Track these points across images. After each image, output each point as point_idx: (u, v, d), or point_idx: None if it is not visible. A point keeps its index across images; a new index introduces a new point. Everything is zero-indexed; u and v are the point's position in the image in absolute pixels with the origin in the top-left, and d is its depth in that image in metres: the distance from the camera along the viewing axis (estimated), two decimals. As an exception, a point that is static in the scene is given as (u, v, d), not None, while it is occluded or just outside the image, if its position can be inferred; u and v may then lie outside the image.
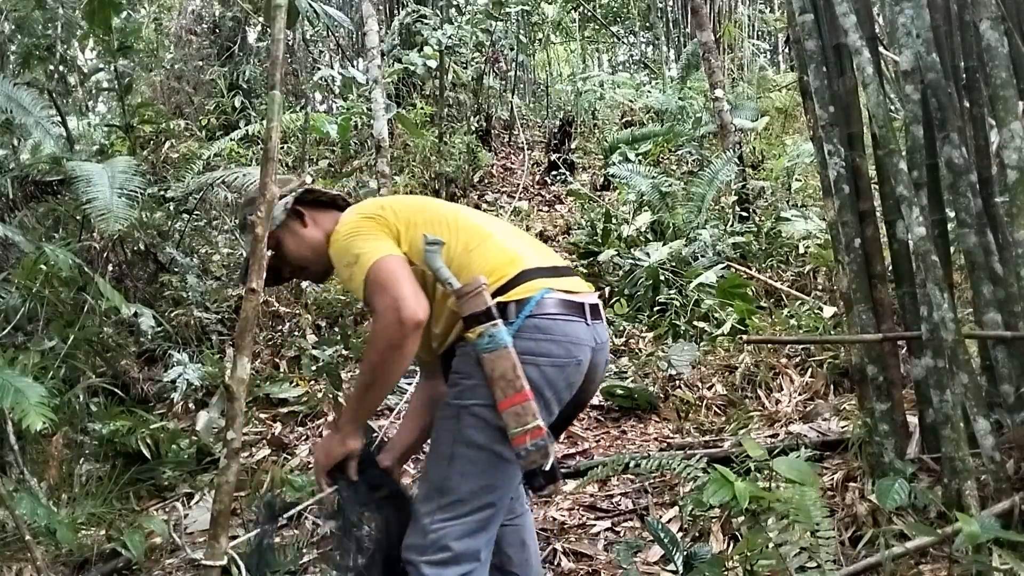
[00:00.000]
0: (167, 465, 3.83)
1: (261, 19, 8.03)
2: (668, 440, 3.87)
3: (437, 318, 1.81)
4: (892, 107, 3.48)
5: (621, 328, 5.12)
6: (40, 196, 5.23)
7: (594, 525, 3.11)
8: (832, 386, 3.96)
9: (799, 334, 4.39)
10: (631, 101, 10.45)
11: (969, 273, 2.49)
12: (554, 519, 3.17)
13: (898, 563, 2.18)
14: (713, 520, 2.77)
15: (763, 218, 6.16)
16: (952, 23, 2.59)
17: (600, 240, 6.37)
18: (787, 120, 8.56)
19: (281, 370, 4.92)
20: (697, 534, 2.81)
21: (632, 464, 2.62)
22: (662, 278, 5.38)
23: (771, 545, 2.05)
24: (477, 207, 7.40)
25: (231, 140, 6.94)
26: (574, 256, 6.29)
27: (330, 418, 4.39)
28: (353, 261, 1.78)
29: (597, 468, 2.82)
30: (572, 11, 12.61)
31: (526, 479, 1.71)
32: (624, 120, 10.28)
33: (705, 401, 4.18)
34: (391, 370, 1.72)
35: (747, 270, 5.43)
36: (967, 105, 2.59)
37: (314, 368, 4.77)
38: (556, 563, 2.82)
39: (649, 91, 10.58)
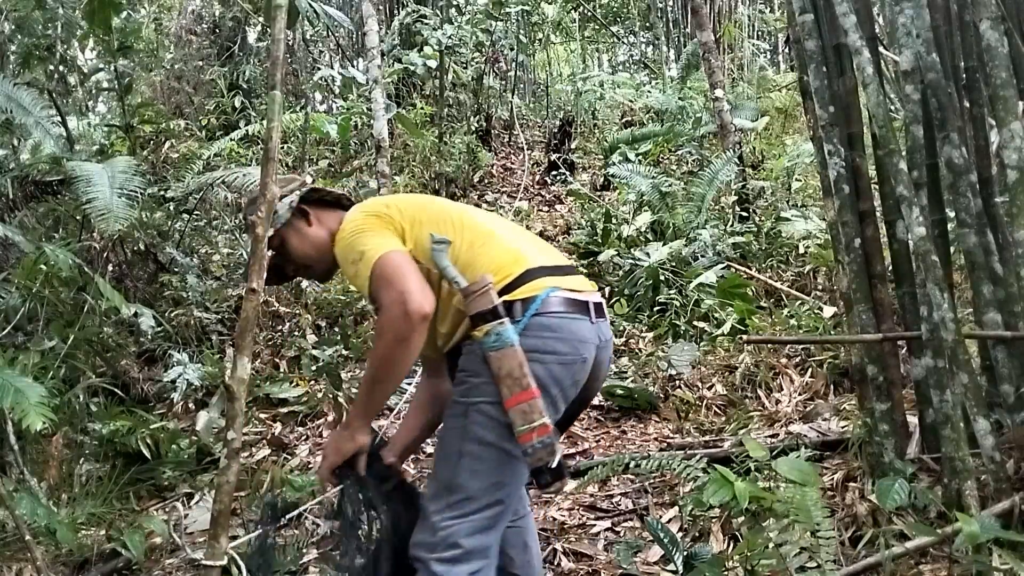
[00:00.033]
0: (167, 465, 3.83)
1: (261, 19, 8.04)
2: (668, 440, 3.87)
3: (443, 317, 1.82)
4: (892, 107, 3.48)
5: (621, 328, 5.12)
6: (40, 196, 5.23)
7: (594, 525, 3.11)
8: (832, 386, 3.96)
9: (799, 334, 4.39)
10: (631, 101, 10.45)
11: (969, 273, 2.49)
12: (554, 519, 3.17)
13: (898, 563, 2.18)
14: (713, 520, 2.77)
15: (763, 218, 6.16)
16: (952, 23, 2.59)
17: (600, 240, 6.37)
18: (787, 120, 8.56)
19: (281, 370, 4.92)
20: (697, 534, 2.81)
21: (632, 464, 2.62)
22: (662, 278, 5.38)
23: (771, 545, 2.05)
24: (477, 207, 7.40)
25: (231, 140, 6.94)
26: (574, 256, 6.29)
27: (330, 418, 4.39)
28: (358, 258, 1.79)
29: (597, 468, 2.83)
30: (572, 11, 12.61)
31: (533, 476, 1.72)
32: (624, 120, 10.28)
33: (705, 401, 4.18)
34: (399, 364, 1.73)
35: (747, 270, 5.43)
36: (967, 105, 2.59)
37: (314, 368, 4.77)
38: (556, 563, 2.82)
39: (649, 91, 10.58)
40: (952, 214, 2.52)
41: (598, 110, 10.72)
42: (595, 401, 4.25)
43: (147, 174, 5.40)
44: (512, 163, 9.82)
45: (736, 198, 6.36)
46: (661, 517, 3.00)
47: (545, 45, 12.22)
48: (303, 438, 4.32)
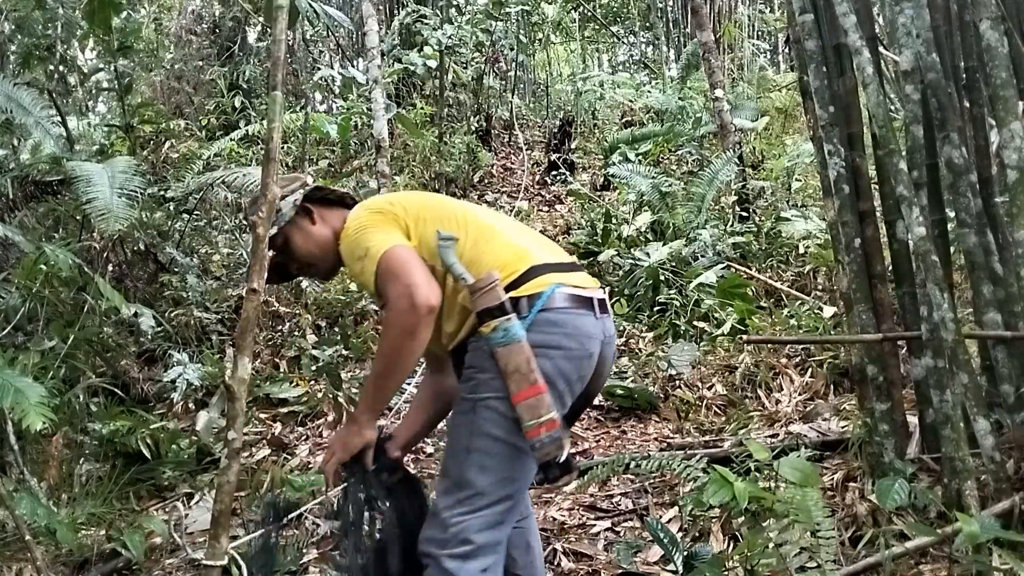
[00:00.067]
0: (167, 465, 3.83)
1: (261, 19, 8.03)
2: (668, 440, 3.87)
3: (449, 313, 1.83)
4: (892, 107, 3.48)
5: (621, 328, 5.12)
6: (40, 196, 5.23)
7: (594, 525, 3.11)
8: (832, 386, 3.96)
9: (799, 334, 4.39)
10: (631, 101, 10.45)
11: (969, 273, 2.49)
12: (554, 519, 3.17)
13: (898, 563, 2.18)
14: (713, 520, 2.77)
15: (763, 218, 6.16)
16: (952, 23, 2.59)
17: (600, 240, 6.37)
18: (787, 120, 8.56)
19: (281, 370, 4.92)
20: (697, 534, 2.81)
21: (632, 464, 2.62)
22: (662, 278, 5.38)
23: (771, 545, 2.05)
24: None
25: (231, 140, 6.95)
26: (574, 256, 6.27)
27: (330, 418, 4.39)
28: (363, 254, 1.80)
29: (597, 468, 2.83)
30: (572, 11, 12.61)
31: (541, 471, 1.73)
32: (624, 120, 10.28)
33: (705, 401, 4.18)
34: (406, 357, 1.74)
35: (747, 270, 5.43)
36: (967, 105, 2.59)
37: (314, 368, 4.77)
38: (556, 563, 2.82)
39: (649, 91, 10.58)
40: (952, 214, 2.52)
41: (598, 110, 10.71)
42: (595, 401, 4.25)
43: (147, 174, 5.40)
44: (512, 163, 9.82)
45: (736, 198, 6.36)
46: (661, 517, 3.00)
47: (545, 45, 12.22)
48: (303, 438, 4.32)
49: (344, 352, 5.01)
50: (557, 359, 1.74)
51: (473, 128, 9.61)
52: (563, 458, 1.69)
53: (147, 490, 3.77)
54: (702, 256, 5.64)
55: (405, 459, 2.20)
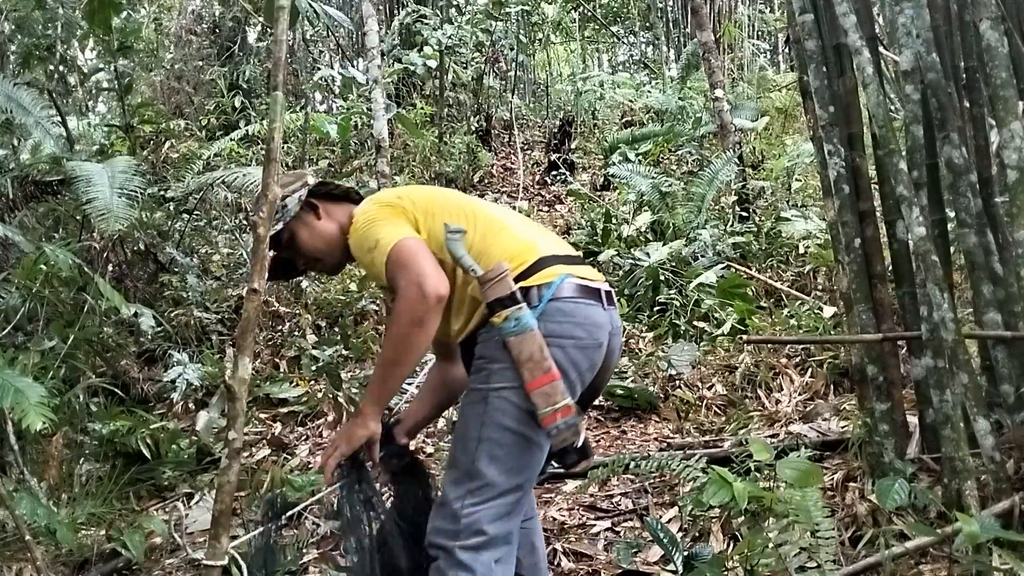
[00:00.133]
0: (167, 465, 3.83)
1: (261, 19, 8.03)
2: (668, 440, 3.87)
3: (458, 306, 1.85)
4: (892, 107, 3.48)
5: (621, 328, 5.11)
6: (40, 196, 5.23)
7: (594, 525, 3.11)
8: (832, 386, 3.96)
9: (799, 334, 4.39)
10: (631, 101, 10.45)
11: (969, 273, 2.49)
12: (554, 519, 3.17)
13: (898, 563, 2.18)
14: (713, 520, 2.77)
15: (763, 218, 6.16)
16: (952, 23, 2.59)
17: (600, 240, 6.37)
18: (787, 120, 8.55)
19: (281, 370, 4.92)
20: (697, 534, 2.80)
21: (632, 464, 2.62)
22: (662, 278, 5.37)
23: (771, 545, 2.05)
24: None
25: (231, 140, 6.94)
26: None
27: (330, 418, 4.39)
28: (373, 246, 1.81)
29: (597, 468, 2.82)
30: (572, 11, 12.61)
31: (558, 457, 1.74)
32: (624, 120, 10.27)
33: (705, 401, 4.18)
34: (414, 347, 1.74)
35: (747, 270, 5.43)
36: (967, 105, 2.59)
37: (314, 368, 4.77)
38: (556, 563, 2.82)
39: (649, 91, 10.57)
40: (952, 214, 2.52)
41: (598, 110, 10.71)
42: (595, 401, 4.25)
43: (147, 174, 5.40)
44: (512, 163, 9.82)
45: (736, 198, 6.36)
46: (661, 517, 3.00)
47: (545, 45, 12.21)
48: (303, 438, 4.32)
49: (344, 352, 5.01)
50: (569, 348, 1.76)
51: (473, 128, 9.61)
52: (579, 443, 1.70)
53: (147, 490, 3.77)
54: (702, 256, 5.64)
55: (412, 445, 2.22)
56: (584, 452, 1.72)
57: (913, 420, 2.71)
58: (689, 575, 2.34)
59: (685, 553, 2.44)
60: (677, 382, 4.38)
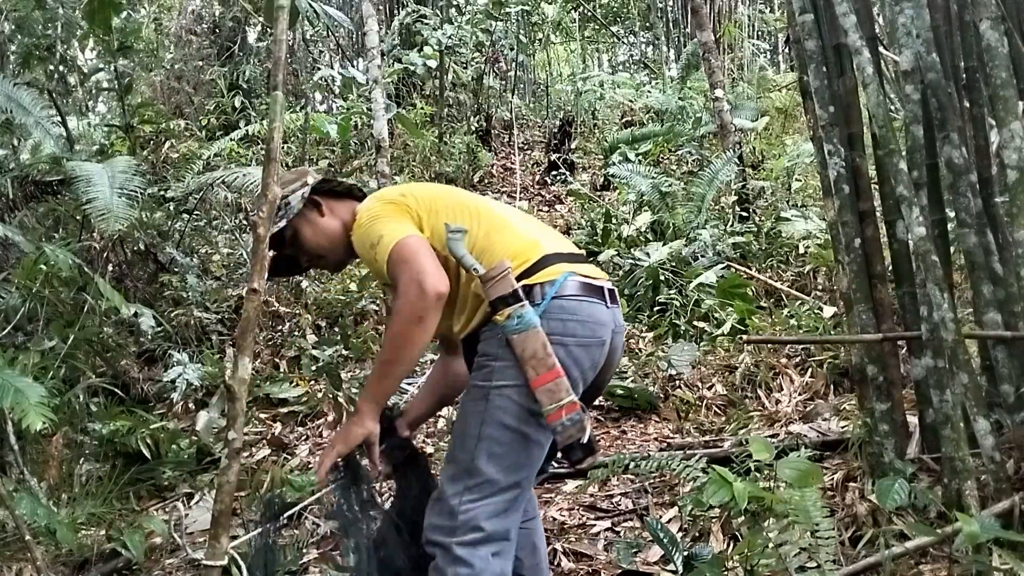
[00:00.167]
0: (167, 465, 3.83)
1: (261, 19, 8.03)
2: (668, 440, 3.87)
3: (462, 303, 1.86)
4: (892, 107, 3.48)
5: (621, 328, 5.11)
6: (40, 196, 5.23)
7: (594, 525, 3.11)
8: (832, 386, 3.96)
9: (799, 334, 4.39)
10: (631, 101, 10.45)
11: (969, 273, 2.49)
12: (554, 519, 3.17)
13: (898, 563, 2.18)
14: (713, 520, 2.77)
15: (763, 218, 6.16)
16: (952, 23, 2.59)
17: (600, 240, 6.37)
18: (787, 120, 8.55)
19: (281, 370, 4.92)
20: (697, 534, 2.80)
21: (632, 464, 2.62)
22: (662, 278, 5.37)
23: (771, 545, 2.05)
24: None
25: (231, 140, 6.95)
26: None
27: (330, 418, 4.39)
28: (376, 242, 1.81)
29: (597, 468, 2.82)
30: (572, 11, 12.61)
31: (564, 453, 1.73)
32: (624, 120, 10.27)
33: (705, 401, 4.18)
34: (413, 344, 1.75)
35: (747, 270, 5.43)
36: (967, 105, 2.59)
37: (314, 368, 4.77)
38: (556, 563, 2.82)
39: (649, 91, 10.57)
40: (952, 214, 2.52)
41: (598, 110, 10.71)
42: (598, 399, 4.25)
43: (147, 174, 5.40)
44: (512, 163, 9.83)
45: (736, 198, 6.36)
46: (661, 517, 3.00)
47: (545, 45, 12.21)
48: (303, 438, 4.32)
49: (344, 352, 5.01)
50: (571, 346, 1.76)
51: (473, 128, 9.61)
52: (585, 439, 1.70)
53: (147, 490, 3.77)
54: (702, 256, 5.64)
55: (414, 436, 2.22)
56: (590, 449, 1.72)
57: (913, 420, 2.70)
58: (689, 575, 2.34)
59: (685, 553, 2.44)
60: (677, 382, 4.38)
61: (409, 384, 4.16)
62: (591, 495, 3.35)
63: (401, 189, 2.00)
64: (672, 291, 5.28)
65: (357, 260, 2.04)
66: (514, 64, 10.85)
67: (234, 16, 9.75)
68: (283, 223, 1.99)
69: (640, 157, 8.02)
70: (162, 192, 5.53)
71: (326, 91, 9.75)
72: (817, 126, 2.77)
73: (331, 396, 4.37)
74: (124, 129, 5.83)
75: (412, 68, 8.70)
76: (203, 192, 5.58)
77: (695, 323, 4.97)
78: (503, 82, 11.08)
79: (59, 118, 5.50)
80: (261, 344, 5.10)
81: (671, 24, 12.68)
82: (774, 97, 9.02)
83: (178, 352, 4.59)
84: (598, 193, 8.15)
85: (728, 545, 2.63)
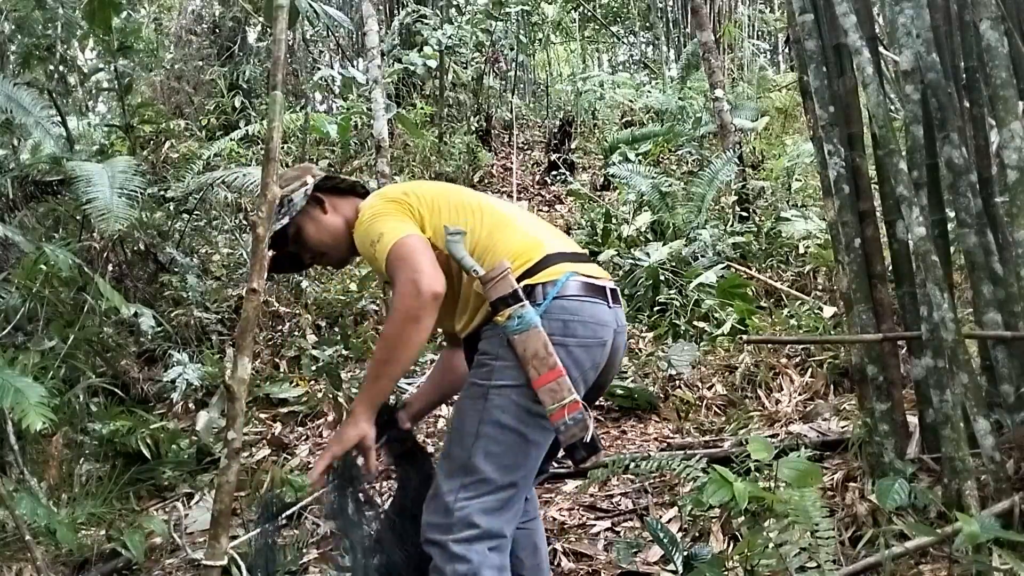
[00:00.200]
0: (167, 465, 3.83)
1: (261, 19, 8.03)
2: (668, 440, 3.87)
3: (464, 303, 1.86)
4: (892, 107, 3.48)
5: (621, 328, 5.11)
6: (40, 196, 5.23)
7: (594, 525, 3.11)
8: (832, 386, 3.96)
9: (799, 334, 4.39)
10: (631, 101, 10.45)
11: (969, 273, 2.49)
12: (554, 519, 3.17)
13: (898, 563, 2.18)
14: (713, 520, 2.77)
15: (763, 218, 6.16)
16: (952, 23, 2.59)
17: (600, 240, 6.37)
18: (787, 120, 8.55)
19: (281, 370, 4.92)
20: (697, 534, 2.80)
21: (632, 464, 2.62)
22: (662, 278, 5.37)
23: (771, 545, 2.05)
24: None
25: (231, 140, 6.95)
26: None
27: (330, 418, 4.39)
28: (376, 240, 1.82)
29: (597, 468, 2.82)
30: (572, 11, 12.61)
31: (568, 453, 1.73)
32: (624, 120, 10.27)
33: (705, 401, 4.18)
34: (409, 344, 1.74)
35: (747, 270, 5.43)
36: (967, 105, 2.59)
37: (314, 368, 4.77)
38: (556, 563, 2.82)
39: (649, 91, 10.57)
40: (952, 214, 2.52)
41: (598, 110, 10.71)
42: (597, 401, 4.25)
43: (147, 174, 5.40)
44: (512, 163, 9.83)
45: (736, 198, 6.36)
46: (661, 517, 3.00)
47: (545, 45, 12.21)
48: (303, 438, 4.32)
49: (344, 352, 5.01)
50: (572, 347, 1.76)
51: (473, 128, 9.61)
52: (588, 438, 1.70)
53: (147, 490, 3.77)
54: (702, 256, 5.64)
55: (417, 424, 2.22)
56: (593, 448, 1.71)
57: (913, 420, 2.70)
58: (689, 575, 2.34)
59: (685, 553, 2.44)
60: (677, 382, 4.38)
61: (408, 384, 4.16)
62: (591, 495, 3.35)
63: (404, 187, 2.00)
64: (672, 291, 5.28)
65: (359, 258, 2.04)
66: (514, 64, 10.85)
67: (234, 16, 9.75)
68: (286, 220, 2.00)
69: (640, 157, 8.02)
70: (162, 192, 5.53)
71: (326, 91, 9.75)
72: (817, 126, 2.77)
73: (331, 396, 4.37)
74: (124, 129, 5.83)
75: (412, 68, 8.70)
76: (203, 192, 5.58)
77: (695, 323, 4.97)
78: (503, 82, 11.08)
79: (59, 118, 5.49)
80: (261, 344, 5.10)
81: (671, 24, 12.68)
82: (774, 97, 9.02)
83: (178, 352, 4.59)
84: (598, 193, 8.15)
85: (728, 545, 2.63)
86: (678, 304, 5.13)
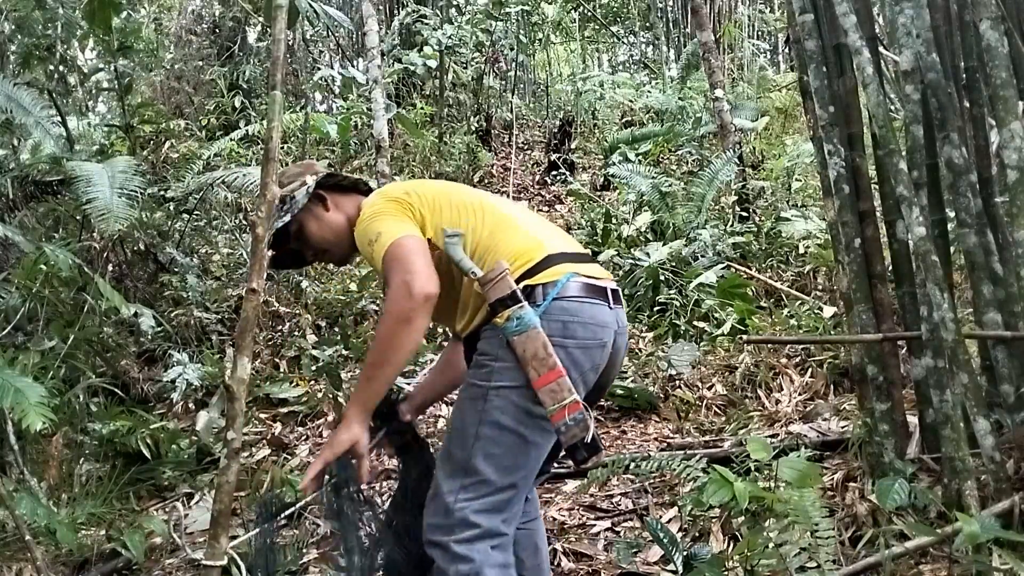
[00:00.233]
0: (167, 465, 3.83)
1: (261, 19, 8.03)
2: (668, 440, 3.87)
3: (464, 304, 1.86)
4: (892, 107, 3.48)
5: (621, 328, 5.11)
6: (40, 196, 5.23)
7: (594, 525, 3.11)
8: (832, 386, 3.96)
9: (799, 334, 4.39)
10: (631, 101, 10.45)
11: (969, 273, 2.49)
12: (554, 519, 3.17)
13: (898, 563, 2.18)
14: (713, 520, 2.77)
15: (763, 218, 6.16)
16: (952, 23, 2.59)
17: (600, 240, 6.37)
18: (787, 120, 8.55)
19: (281, 370, 4.92)
20: (697, 534, 2.80)
21: (632, 464, 2.62)
22: (662, 278, 5.37)
23: (771, 545, 2.05)
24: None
25: (231, 140, 6.95)
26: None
27: (330, 418, 4.39)
28: (374, 239, 1.82)
29: (597, 469, 2.82)
30: (572, 11, 12.61)
31: (569, 453, 1.73)
32: (624, 120, 10.28)
33: (705, 401, 4.18)
34: (401, 346, 1.74)
35: (747, 270, 5.43)
36: (967, 105, 2.59)
37: (314, 368, 4.77)
38: (556, 563, 2.82)
39: (649, 91, 10.57)
40: (952, 214, 2.52)
41: (598, 110, 10.71)
42: (598, 401, 4.25)
43: (147, 174, 5.40)
44: (512, 163, 9.83)
45: (736, 198, 6.36)
46: (661, 517, 3.00)
47: (545, 45, 12.21)
48: (303, 438, 4.32)
49: (344, 352, 5.01)
50: (572, 348, 1.75)
51: (473, 128, 9.61)
52: (589, 439, 1.70)
53: (147, 490, 3.76)
54: (702, 256, 5.64)
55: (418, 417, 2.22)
56: (595, 448, 1.71)
57: (913, 420, 2.70)
58: (689, 575, 2.34)
59: (685, 553, 2.44)
60: (677, 382, 4.38)
61: (406, 384, 4.15)
62: (591, 495, 3.35)
63: (406, 187, 1.99)
64: (672, 291, 5.28)
65: (361, 256, 2.04)
66: (514, 64, 10.85)
67: (234, 16, 9.76)
68: (288, 218, 2.00)
69: (640, 157, 8.02)
70: (162, 192, 5.53)
71: (326, 91, 9.75)
72: (817, 126, 2.77)
73: (331, 396, 4.37)
74: (124, 129, 5.83)
75: (412, 68, 8.71)
76: (203, 192, 5.57)
77: (695, 323, 4.97)
78: (503, 82, 11.08)
79: (59, 118, 5.49)
80: (261, 344, 5.10)
81: (671, 24, 12.68)
82: (774, 97, 9.02)
83: (178, 352, 4.59)
84: (598, 193, 8.15)
85: (728, 545, 2.63)
86: (678, 304, 5.13)
